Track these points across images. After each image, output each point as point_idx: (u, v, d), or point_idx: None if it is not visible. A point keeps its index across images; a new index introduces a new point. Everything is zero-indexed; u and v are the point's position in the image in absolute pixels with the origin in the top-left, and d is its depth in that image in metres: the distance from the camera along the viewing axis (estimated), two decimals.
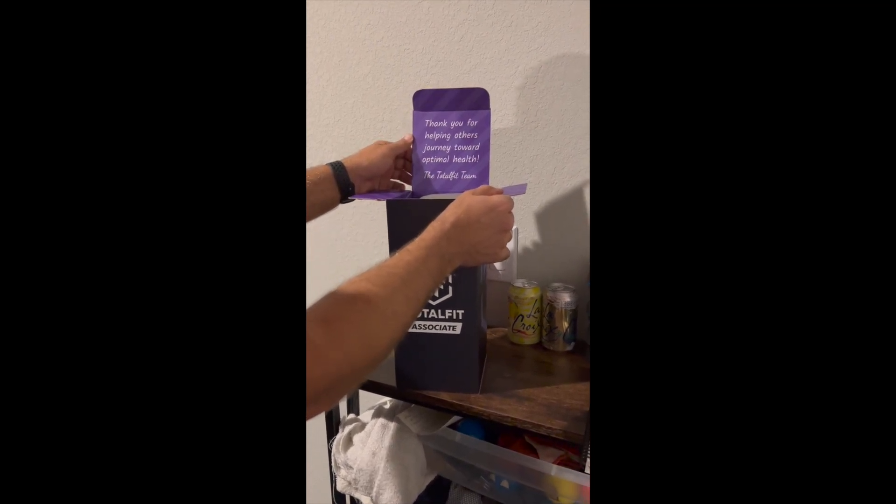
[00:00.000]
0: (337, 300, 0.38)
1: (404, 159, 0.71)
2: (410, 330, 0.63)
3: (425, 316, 0.63)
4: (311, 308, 0.36)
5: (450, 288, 0.62)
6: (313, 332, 0.33)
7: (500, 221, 0.52)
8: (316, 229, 1.06)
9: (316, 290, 0.39)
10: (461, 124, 0.66)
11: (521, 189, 0.60)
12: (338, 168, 0.65)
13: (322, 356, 0.33)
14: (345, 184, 0.65)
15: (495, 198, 0.53)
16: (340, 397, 0.39)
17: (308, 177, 0.63)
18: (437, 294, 0.62)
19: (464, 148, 0.66)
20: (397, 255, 0.46)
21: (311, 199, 0.63)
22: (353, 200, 0.67)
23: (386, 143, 0.69)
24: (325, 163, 0.65)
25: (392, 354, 0.66)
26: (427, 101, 0.66)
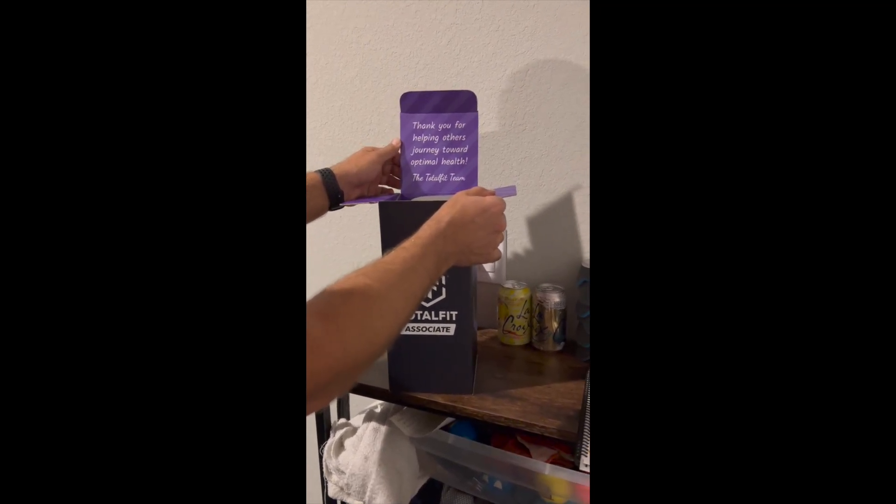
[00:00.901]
0: (334, 295, 0.38)
1: (393, 164, 0.72)
2: (404, 332, 0.63)
3: (419, 318, 0.63)
4: (308, 303, 0.36)
5: (443, 289, 0.62)
6: (312, 327, 0.33)
7: (494, 222, 0.53)
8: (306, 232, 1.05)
9: (307, 291, 0.39)
10: (449, 126, 0.66)
11: (511, 191, 0.61)
12: (327, 175, 0.65)
13: (321, 350, 0.33)
14: (334, 191, 0.65)
15: (489, 199, 0.53)
16: (339, 393, 0.39)
17: None
18: (430, 295, 0.62)
19: (452, 150, 0.67)
20: (394, 252, 0.46)
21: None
22: (342, 207, 0.67)
23: (374, 149, 0.69)
24: (312, 169, 0.65)
25: (385, 356, 0.66)
26: (414, 104, 0.66)
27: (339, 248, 1.05)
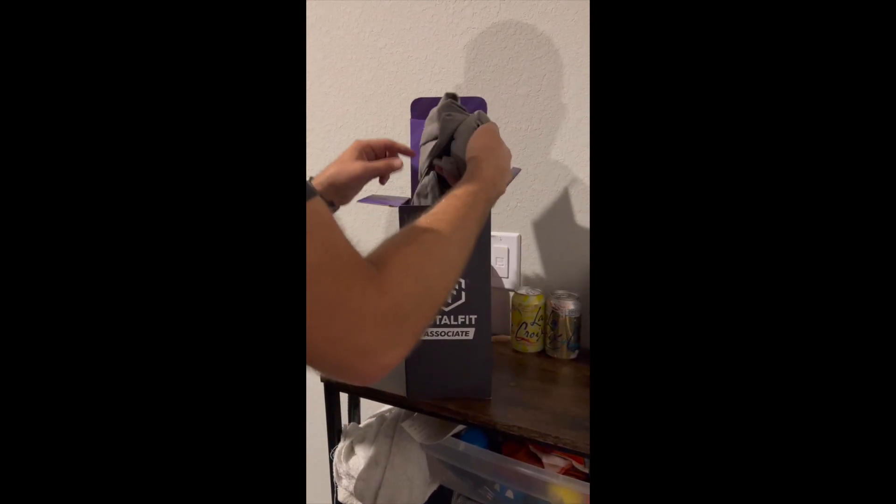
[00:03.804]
0: (386, 246, 0.38)
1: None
2: (423, 336, 0.63)
3: (438, 322, 0.62)
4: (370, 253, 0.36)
5: (463, 293, 0.61)
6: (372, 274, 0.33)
7: (499, 138, 0.57)
8: None
9: None
10: None
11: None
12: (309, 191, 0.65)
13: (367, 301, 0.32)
14: None
15: (487, 125, 0.57)
16: (417, 326, 0.37)
17: None
18: (449, 300, 0.62)
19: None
20: (446, 202, 0.45)
21: None
22: (336, 210, 0.66)
23: (365, 150, 0.65)
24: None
25: (402, 362, 0.65)
26: (425, 109, 0.66)
27: None
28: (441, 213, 0.43)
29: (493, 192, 0.51)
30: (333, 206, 0.65)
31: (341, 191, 0.64)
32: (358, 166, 0.62)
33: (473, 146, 0.54)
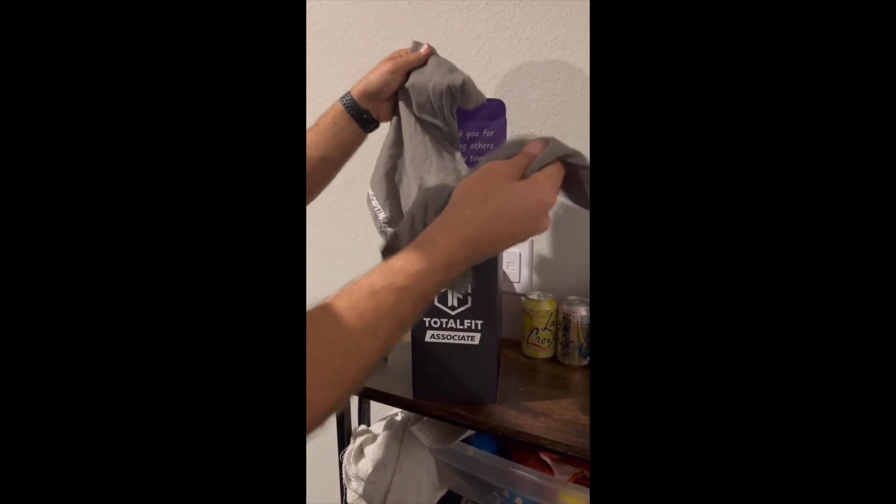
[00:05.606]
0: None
1: None
2: (429, 340, 0.63)
3: (444, 326, 0.62)
4: None
5: (469, 298, 0.61)
6: None
7: (533, 223, 0.43)
8: (321, 238, 1.06)
9: (309, 291, 0.36)
10: (477, 135, 0.66)
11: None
12: (347, 101, 0.62)
13: None
14: (357, 113, 0.62)
15: (537, 196, 0.43)
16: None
17: (325, 118, 0.63)
18: (455, 304, 0.61)
19: (480, 158, 0.66)
20: (385, 275, 0.38)
21: (336, 139, 0.62)
22: (377, 127, 0.64)
23: (398, 55, 0.62)
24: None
25: (409, 362, 0.65)
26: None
27: (359, 254, 1.05)
28: (352, 301, 0.36)
29: (468, 256, 0.41)
30: (371, 119, 0.63)
31: (377, 95, 0.62)
32: (388, 64, 0.62)
33: (480, 202, 0.42)
